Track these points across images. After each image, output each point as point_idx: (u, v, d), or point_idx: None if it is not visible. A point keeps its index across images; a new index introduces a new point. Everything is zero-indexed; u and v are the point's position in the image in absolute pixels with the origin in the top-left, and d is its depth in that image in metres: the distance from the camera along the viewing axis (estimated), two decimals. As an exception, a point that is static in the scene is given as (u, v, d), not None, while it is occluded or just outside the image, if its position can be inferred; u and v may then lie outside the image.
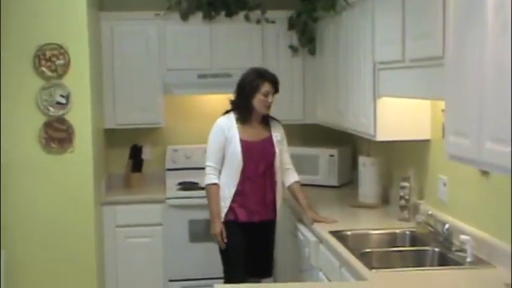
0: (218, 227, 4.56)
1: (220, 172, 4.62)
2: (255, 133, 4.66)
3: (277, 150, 4.67)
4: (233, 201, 4.59)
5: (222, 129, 4.61)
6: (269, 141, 4.68)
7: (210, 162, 4.62)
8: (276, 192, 4.71)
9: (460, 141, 2.99)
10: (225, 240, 4.55)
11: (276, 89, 4.61)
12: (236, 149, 4.56)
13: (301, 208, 4.70)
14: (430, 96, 3.81)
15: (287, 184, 4.81)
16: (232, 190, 4.58)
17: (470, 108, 2.88)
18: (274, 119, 4.80)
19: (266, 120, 4.72)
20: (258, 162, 4.61)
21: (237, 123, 4.62)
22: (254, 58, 5.89)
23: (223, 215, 4.59)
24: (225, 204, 4.60)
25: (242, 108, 4.61)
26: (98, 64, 5.77)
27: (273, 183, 4.69)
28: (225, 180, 4.61)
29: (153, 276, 5.86)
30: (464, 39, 2.93)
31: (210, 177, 4.60)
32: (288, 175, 4.80)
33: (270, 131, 4.71)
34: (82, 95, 5.08)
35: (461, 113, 2.98)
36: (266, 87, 4.55)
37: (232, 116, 4.66)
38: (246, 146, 4.58)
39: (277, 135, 4.71)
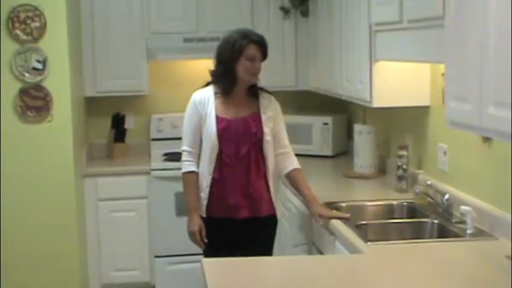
0: (196, 224, 4.09)
1: (199, 157, 4.14)
2: (238, 109, 4.10)
3: (266, 129, 4.08)
4: (211, 192, 4.08)
5: (196, 106, 4.11)
6: (255, 118, 4.10)
7: (185, 146, 4.15)
8: (268, 182, 4.13)
9: (461, 107, 2.99)
10: (205, 240, 4.09)
11: (263, 54, 4.04)
12: (210, 128, 4.04)
13: (305, 202, 4.13)
14: (429, 59, 3.82)
15: (284, 172, 4.21)
16: (209, 178, 4.07)
17: (471, 72, 2.88)
18: (266, 91, 4.23)
19: (254, 93, 4.16)
20: (238, 145, 4.05)
21: (216, 97, 4.09)
22: (243, 21, 5.87)
23: (204, 208, 4.13)
24: (204, 195, 4.11)
25: (223, 77, 4.06)
26: (77, 27, 5.75)
27: (262, 171, 4.11)
28: (202, 166, 4.11)
29: (138, 252, 5.91)
30: (466, -2, 2.93)
31: (185, 165, 4.13)
32: (284, 160, 4.19)
33: (257, 106, 4.14)
34: (60, 60, 5.06)
35: (461, 76, 2.98)
36: (251, 50, 3.98)
37: (210, 89, 4.13)
38: (222, 124, 4.04)
39: (267, 111, 4.14)
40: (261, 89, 4.19)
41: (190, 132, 4.13)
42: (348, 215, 3.89)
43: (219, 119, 4.04)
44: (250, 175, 4.06)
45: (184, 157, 4.14)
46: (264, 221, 4.15)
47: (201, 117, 4.07)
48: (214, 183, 4.06)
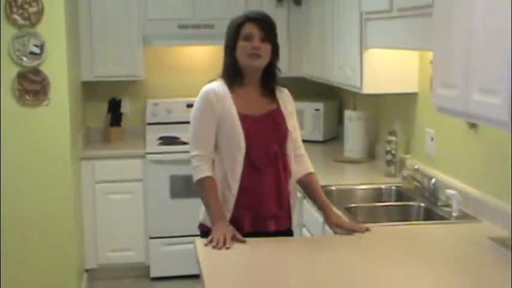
0: (228, 229, 3.17)
1: (213, 162, 3.36)
2: (259, 104, 3.41)
3: (289, 127, 3.43)
4: (237, 202, 3.32)
5: (210, 103, 3.32)
6: (278, 114, 3.42)
7: (197, 150, 3.33)
8: (289, 186, 3.45)
9: (448, 93, 3.00)
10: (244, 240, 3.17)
11: (265, 33, 3.32)
12: (234, 127, 3.30)
13: (322, 208, 3.47)
14: (418, 47, 3.84)
15: (298, 176, 3.50)
16: (235, 186, 3.31)
17: (458, 59, 2.89)
18: (282, 85, 3.53)
19: (270, 87, 3.44)
20: (266, 145, 3.35)
21: (231, 91, 3.36)
22: (237, 8, 5.82)
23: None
24: (229, 207, 3.32)
25: (229, 67, 3.40)
26: (74, 12, 5.74)
27: (287, 174, 3.42)
28: (224, 173, 3.34)
29: (133, 234, 5.92)
30: (454, -14, 2.95)
31: (200, 170, 3.31)
32: (298, 163, 3.51)
33: (277, 101, 3.45)
34: (57, 44, 5.04)
35: (449, 63, 2.99)
36: (247, 28, 3.31)
37: (222, 83, 3.39)
38: (248, 122, 3.32)
39: (288, 105, 3.48)
40: (276, 82, 3.50)
41: (203, 133, 3.35)
42: (366, 228, 3.33)
43: (242, 116, 3.32)
44: (281, 179, 3.39)
45: (195, 162, 3.32)
46: (283, 234, 3.46)
47: (218, 115, 3.32)
48: (243, 191, 3.32)
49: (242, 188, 3.32)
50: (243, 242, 3.13)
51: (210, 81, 3.44)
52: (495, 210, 3.44)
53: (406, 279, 2.79)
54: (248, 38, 3.30)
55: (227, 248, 3.06)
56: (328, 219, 3.40)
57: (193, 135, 3.39)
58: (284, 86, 3.52)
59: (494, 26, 2.59)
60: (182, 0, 6.05)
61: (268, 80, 3.43)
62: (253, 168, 3.32)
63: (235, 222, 3.27)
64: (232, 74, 3.38)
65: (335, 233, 3.35)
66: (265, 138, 3.36)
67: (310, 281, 2.79)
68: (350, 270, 2.91)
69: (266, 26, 3.35)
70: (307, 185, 3.54)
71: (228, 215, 3.31)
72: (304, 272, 2.93)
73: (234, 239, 3.13)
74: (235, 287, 2.80)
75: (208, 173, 3.31)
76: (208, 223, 3.34)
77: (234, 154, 3.31)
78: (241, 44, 3.31)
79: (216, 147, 3.35)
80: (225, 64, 3.42)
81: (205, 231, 3.34)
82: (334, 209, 3.49)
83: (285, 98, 3.49)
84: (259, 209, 3.36)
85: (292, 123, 3.47)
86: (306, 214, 4.18)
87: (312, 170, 3.56)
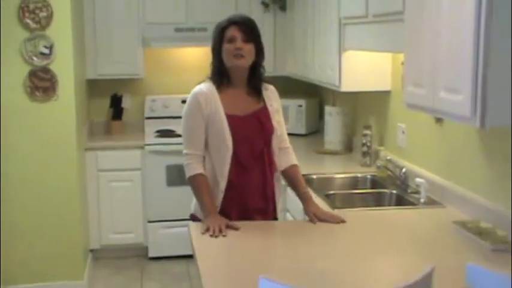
0: (221, 219, 3.14)
1: (204, 159, 3.30)
2: (245, 104, 3.32)
3: (275, 124, 3.35)
4: (226, 197, 3.27)
5: (199, 104, 3.23)
6: (264, 113, 3.33)
7: (188, 149, 3.27)
8: (274, 179, 3.38)
9: (417, 91, 3.04)
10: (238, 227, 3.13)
11: (246, 34, 3.24)
12: (221, 127, 3.22)
13: (302, 199, 3.40)
14: (390, 49, 3.85)
15: (282, 167, 3.43)
16: (224, 182, 3.25)
17: (426, 61, 2.93)
18: (268, 82, 3.44)
19: (256, 86, 3.35)
20: (252, 143, 3.28)
21: (219, 93, 3.27)
22: (228, 13, 5.78)
23: None
24: (217, 201, 3.27)
25: (216, 69, 3.31)
26: (80, 17, 5.74)
27: (272, 169, 3.35)
28: (213, 170, 3.28)
29: (133, 218, 5.91)
30: (422, -4, 2.97)
31: (191, 168, 3.26)
32: (282, 155, 3.43)
33: (263, 100, 3.36)
34: (64, 46, 5.04)
35: (418, 65, 3.03)
36: (230, 31, 3.23)
37: (211, 84, 3.29)
38: (234, 122, 3.24)
39: (273, 103, 3.39)
40: (262, 79, 3.40)
41: (193, 133, 3.28)
42: (342, 220, 3.25)
43: (229, 117, 3.24)
44: (266, 175, 3.32)
45: (187, 160, 3.27)
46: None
47: (207, 115, 3.24)
48: (231, 187, 3.26)
49: (230, 184, 3.26)
50: (237, 229, 3.10)
51: (199, 83, 3.35)
52: (458, 197, 3.47)
53: (379, 258, 2.82)
54: (231, 40, 3.22)
55: (224, 236, 3.03)
56: (307, 209, 3.34)
57: (184, 135, 3.33)
58: (270, 84, 3.44)
59: (457, 32, 2.63)
60: (178, 5, 6.04)
61: (254, 78, 3.34)
62: (240, 166, 3.26)
63: (223, 215, 3.21)
64: (220, 75, 3.29)
65: (311, 221, 3.25)
66: (251, 137, 3.28)
67: (292, 258, 2.81)
68: (328, 250, 2.93)
69: (248, 28, 3.27)
70: (290, 177, 3.46)
71: (217, 209, 3.25)
72: (287, 251, 2.95)
73: (228, 227, 3.10)
74: (225, 266, 2.81)
75: (199, 171, 3.25)
76: (198, 214, 3.32)
77: (221, 153, 3.24)
78: (225, 46, 3.24)
79: (206, 145, 3.28)
80: (212, 66, 3.33)
81: (195, 221, 3.32)
82: (313, 200, 3.41)
83: (271, 95, 3.40)
84: (246, 203, 3.30)
85: (277, 119, 3.38)
86: (289, 200, 4.20)
87: (295, 162, 3.48)
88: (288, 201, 4.24)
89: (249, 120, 3.29)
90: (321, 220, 3.25)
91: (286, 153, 3.46)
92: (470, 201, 3.34)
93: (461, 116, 2.64)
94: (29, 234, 5.16)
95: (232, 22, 3.26)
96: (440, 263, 2.32)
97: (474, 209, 3.28)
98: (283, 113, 3.52)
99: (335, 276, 2.61)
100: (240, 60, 3.24)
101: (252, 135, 3.28)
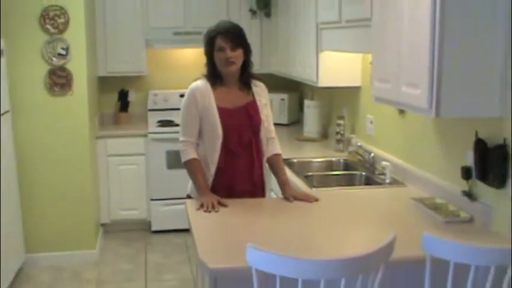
0: (214, 196, 3.16)
1: (198, 146, 3.29)
2: (236, 98, 3.30)
3: (262, 116, 3.32)
4: (216, 180, 3.27)
5: (195, 98, 3.24)
6: (253, 106, 3.31)
7: (184, 137, 3.27)
8: (262, 166, 3.38)
9: (383, 86, 3.06)
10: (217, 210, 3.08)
11: (233, 42, 3.21)
12: (213, 119, 3.21)
13: (281, 184, 3.38)
14: (360, 50, 3.85)
15: (266, 155, 3.41)
16: (214, 168, 3.25)
17: (390, 60, 2.95)
18: (258, 79, 3.43)
19: (247, 82, 3.34)
20: (241, 133, 3.25)
21: (213, 88, 3.26)
22: (220, 18, 5.86)
23: None
24: (209, 183, 3.27)
25: (210, 71, 3.29)
26: (92, 23, 5.72)
27: (260, 155, 3.34)
28: (206, 156, 3.26)
29: (138, 196, 5.91)
30: (387, 5, 2.99)
31: (186, 153, 3.26)
32: (268, 145, 3.41)
33: (253, 94, 3.34)
34: (79, 48, 5.04)
35: (383, 63, 3.05)
36: (219, 41, 3.19)
37: (206, 81, 3.29)
38: (225, 114, 3.23)
39: (262, 98, 3.36)
40: (253, 76, 3.39)
41: (188, 123, 3.27)
42: (316, 198, 3.27)
43: (221, 110, 3.23)
44: (253, 161, 3.30)
45: (182, 147, 3.27)
46: None
47: (201, 108, 3.23)
48: (220, 171, 3.25)
49: (219, 170, 3.24)
50: (226, 205, 3.11)
51: (196, 79, 3.34)
52: (417, 177, 3.49)
53: (350, 229, 2.85)
54: (221, 50, 3.19)
55: (216, 211, 3.05)
56: (285, 192, 3.30)
57: (181, 124, 3.31)
58: (260, 80, 3.42)
59: (416, 36, 2.65)
60: (177, 12, 6.01)
61: (244, 75, 3.32)
62: (229, 153, 3.24)
63: (215, 194, 3.20)
64: (214, 76, 3.28)
65: (290, 201, 3.24)
66: (240, 128, 3.25)
67: (275, 229, 2.83)
68: (306, 222, 2.95)
69: (234, 35, 3.22)
70: (272, 164, 3.43)
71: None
72: (271, 224, 2.96)
73: (219, 204, 3.11)
74: (217, 237, 2.83)
75: (193, 156, 3.24)
76: (193, 195, 3.33)
77: (213, 141, 3.23)
78: (216, 54, 3.21)
79: (200, 134, 3.27)
80: (207, 68, 3.31)
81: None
82: (290, 184, 3.40)
83: (260, 91, 3.37)
84: (233, 186, 3.28)
85: (265, 112, 3.34)
86: (273, 181, 4.21)
87: (279, 151, 3.44)
88: (272, 182, 4.26)
89: (239, 113, 3.27)
90: (297, 199, 3.25)
91: (272, 143, 3.43)
92: (427, 181, 3.37)
93: (420, 108, 2.66)
94: (49, 210, 5.17)
95: (220, 33, 3.21)
96: (401, 233, 2.34)
97: (430, 188, 3.31)
98: (270, 104, 3.50)
99: (312, 244, 2.64)
100: (231, 67, 3.23)
101: (240, 126, 3.26)
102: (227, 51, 3.19)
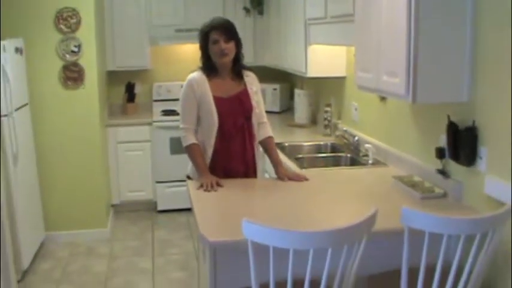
0: (213, 177, 3.17)
1: (197, 131, 3.31)
2: (229, 88, 3.31)
3: (254, 103, 3.34)
4: (213, 160, 3.28)
5: (192, 88, 3.25)
6: (245, 94, 3.33)
7: (184, 124, 3.28)
8: (254, 148, 3.39)
9: (365, 76, 3.07)
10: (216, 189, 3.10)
11: (226, 35, 3.22)
12: (210, 107, 3.23)
13: (273, 164, 3.40)
14: (345, 43, 3.85)
15: (260, 138, 3.43)
16: (211, 150, 3.27)
17: (371, 52, 2.96)
18: (249, 69, 3.44)
19: (239, 72, 3.35)
20: (234, 119, 3.28)
21: (208, 79, 3.27)
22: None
23: None
24: (206, 163, 3.29)
25: (205, 62, 3.31)
26: (101, 22, 5.70)
27: (252, 139, 3.36)
28: (204, 140, 3.28)
29: (144, 179, 5.93)
30: (368, 2, 2.99)
31: (186, 139, 3.27)
32: (260, 129, 3.43)
33: (244, 83, 3.36)
34: (90, 45, 5.04)
35: (365, 54, 3.05)
36: (213, 34, 3.21)
37: (202, 73, 3.30)
38: (220, 103, 3.25)
39: (253, 87, 3.38)
40: (243, 67, 3.40)
41: (187, 111, 3.27)
42: (306, 178, 3.28)
43: (216, 99, 3.24)
44: (246, 144, 3.33)
45: (183, 133, 3.28)
46: None
47: (198, 97, 3.24)
48: (216, 152, 3.27)
49: (215, 152, 3.27)
50: (222, 186, 3.12)
51: (192, 71, 3.34)
52: (397, 158, 3.50)
53: (337, 204, 2.87)
54: (215, 42, 3.21)
55: (215, 191, 3.06)
56: (278, 172, 3.32)
57: (181, 112, 3.33)
58: (250, 71, 3.43)
59: (394, 29, 2.66)
60: (178, 11, 6.00)
61: (236, 66, 3.33)
62: (224, 137, 3.26)
63: (212, 173, 3.22)
64: (209, 68, 3.29)
65: (284, 180, 3.26)
66: (233, 114, 3.27)
67: (269, 206, 2.84)
68: (297, 199, 2.96)
69: (227, 29, 3.23)
70: (265, 146, 3.46)
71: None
72: (264, 201, 2.98)
73: (217, 184, 3.12)
74: (216, 213, 2.84)
75: (193, 141, 3.25)
76: (191, 175, 3.35)
77: (209, 126, 3.25)
78: (211, 47, 3.22)
79: (198, 121, 3.28)
80: (202, 61, 3.31)
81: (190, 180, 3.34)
82: (283, 165, 3.41)
83: (251, 80, 3.38)
84: (229, 167, 3.30)
85: (256, 99, 3.36)
86: (267, 163, 4.22)
87: (270, 134, 3.46)
88: (266, 163, 4.28)
89: (232, 101, 3.28)
90: (290, 179, 3.26)
91: (264, 127, 3.44)
92: (406, 161, 3.37)
93: (399, 94, 2.68)
94: (64, 192, 5.19)
95: (214, 27, 3.23)
96: (382, 207, 2.35)
97: (409, 167, 3.32)
98: (262, 95, 3.51)
99: (302, 218, 2.66)
100: (225, 58, 3.25)
101: (234, 112, 3.27)
102: (221, 44, 3.20)
